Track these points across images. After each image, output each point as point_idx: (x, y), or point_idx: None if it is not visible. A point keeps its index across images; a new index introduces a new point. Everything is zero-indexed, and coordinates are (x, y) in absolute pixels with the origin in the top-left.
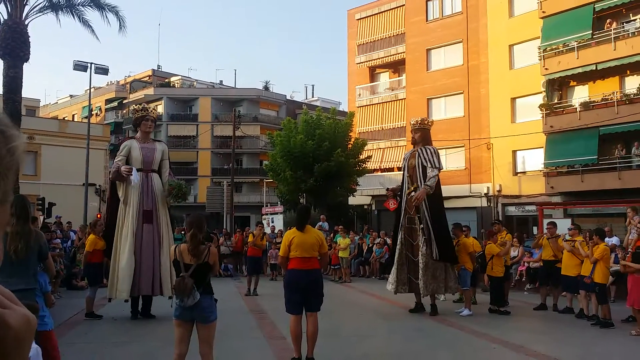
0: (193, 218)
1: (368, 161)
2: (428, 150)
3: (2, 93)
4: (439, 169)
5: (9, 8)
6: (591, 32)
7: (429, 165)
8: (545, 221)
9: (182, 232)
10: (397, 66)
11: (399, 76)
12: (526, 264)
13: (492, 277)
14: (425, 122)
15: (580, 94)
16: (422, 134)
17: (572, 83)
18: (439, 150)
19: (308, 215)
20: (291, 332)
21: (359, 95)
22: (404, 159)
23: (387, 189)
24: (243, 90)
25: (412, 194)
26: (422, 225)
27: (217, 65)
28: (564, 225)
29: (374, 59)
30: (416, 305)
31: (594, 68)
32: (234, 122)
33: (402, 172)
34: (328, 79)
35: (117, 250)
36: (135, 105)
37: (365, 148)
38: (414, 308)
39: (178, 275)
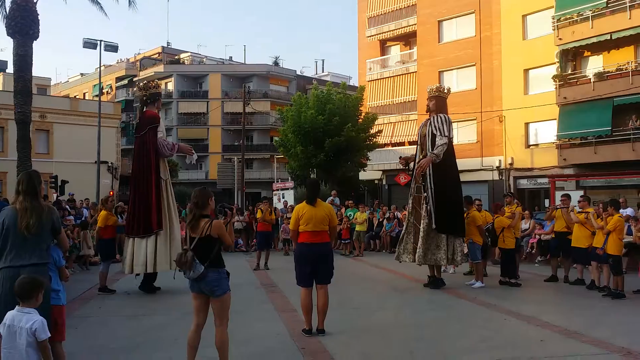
0: (194, 192)
1: (379, 135)
2: (439, 118)
3: (13, 71)
4: (449, 137)
5: None
6: (606, 0)
7: (438, 133)
8: (558, 193)
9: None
10: (408, 39)
11: (410, 49)
12: (537, 236)
13: (504, 249)
14: (441, 90)
15: (595, 64)
16: (437, 101)
17: (586, 53)
18: (452, 123)
19: (318, 188)
20: (302, 304)
21: (370, 69)
22: (419, 128)
23: (400, 157)
24: (253, 66)
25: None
26: (425, 194)
27: (226, 41)
28: (576, 197)
29: (385, 32)
30: (429, 278)
31: (609, 38)
32: (244, 98)
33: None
34: (338, 54)
35: (168, 225)
36: (146, 81)
37: (376, 122)
38: (427, 282)
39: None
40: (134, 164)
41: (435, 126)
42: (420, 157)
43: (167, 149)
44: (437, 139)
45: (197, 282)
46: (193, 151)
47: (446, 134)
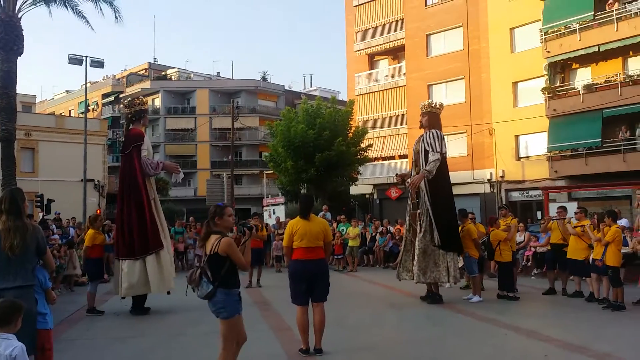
0: (211, 207)
1: (369, 149)
2: (431, 134)
3: None
4: (441, 153)
5: (1, 1)
6: (593, 13)
7: (430, 149)
8: (551, 205)
9: (183, 225)
10: (396, 53)
11: (398, 63)
12: (533, 249)
13: (501, 262)
14: (434, 106)
15: (583, 76)
16: (429, 117)
17: (574, 65)
18: None
19: (311, 203)
20: (298, 323)
21: (359, 83)
22: (414, 144)
23: (397, 175)
24: (241, 82)
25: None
26: (419, 211)
27: (213, 56)
28: (570, 209)
29: (373, 46)
30: (427, 293)
31: (597, 50)
32: (232, 113)
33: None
34: (327, 69)
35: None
36: (131, 98)
37: (366, 136)
38: (425, 295)
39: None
40: (120, 183)
41: (427, 142)
42: (414, 173)
43: (151, 167)
44: (429, 155)
45: (208, 302)
46: (179, 169)
47: (438, 149)
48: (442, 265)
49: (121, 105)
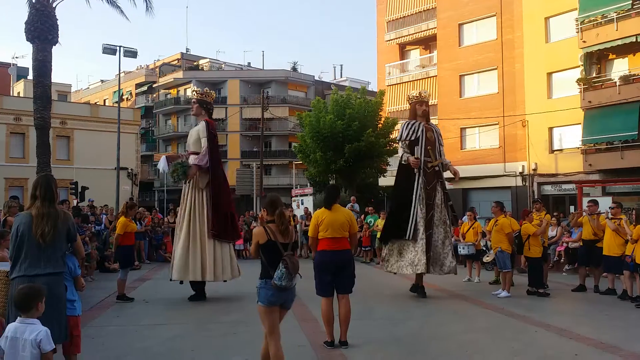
0: (274, 197)
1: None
2: (438, 131)
3: (32, 77)
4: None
5: None
6: (631, 1)
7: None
8: (585, 200)
9: None
10: (428, 42)
11: (430, 53)
12: (565, 244)
13: (530, 258)
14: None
15: (620, 67)
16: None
17: (611, 56)
18: (474, 128)
19: (337, 193)
20: (323, 315)
21: (389, 73)
22: (413, 130)
23: (415, 158)
24: (271, 72)
25: (436, 168)
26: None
27: (244, 47)
28: (604, 204)
29: (404, 36)
30: (412, 285)
31: (634, 40)
32: (262, 104)
33: (418, 143)
34: (357, 59)
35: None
36: (198, 88)
37: (396, 127)
38: (412, 287)
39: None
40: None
41: (439, 134)
42: (435, 163)
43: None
44: (442, 148)
45: (285, 292)
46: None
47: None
48: (406, 256)
49: (196, 90)
